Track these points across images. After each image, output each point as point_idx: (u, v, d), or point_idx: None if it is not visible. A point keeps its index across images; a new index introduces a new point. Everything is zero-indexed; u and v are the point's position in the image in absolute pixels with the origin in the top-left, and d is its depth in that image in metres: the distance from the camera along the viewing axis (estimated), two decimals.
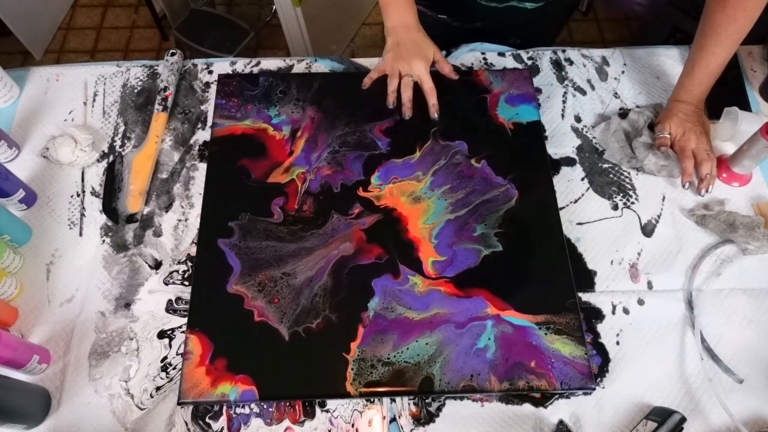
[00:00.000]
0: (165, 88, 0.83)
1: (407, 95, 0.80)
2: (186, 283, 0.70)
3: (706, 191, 0.74)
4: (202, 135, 0.82)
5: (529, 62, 0.89)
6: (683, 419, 0.60)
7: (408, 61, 0.80)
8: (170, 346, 0.67)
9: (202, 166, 0.79)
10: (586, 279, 0.71)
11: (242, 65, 0.89)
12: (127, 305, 0.69)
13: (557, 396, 0.64)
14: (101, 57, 1.94)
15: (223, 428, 0.62)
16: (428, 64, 0.81)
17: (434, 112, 0.80)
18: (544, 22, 0.97)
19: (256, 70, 0.89)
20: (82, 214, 0.76)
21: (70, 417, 0.63)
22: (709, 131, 0.78)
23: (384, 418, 0.63)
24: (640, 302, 0.69)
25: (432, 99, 0.80)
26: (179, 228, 0.75)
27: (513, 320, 0.66)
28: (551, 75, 0.88)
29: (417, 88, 0.82)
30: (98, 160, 0.80)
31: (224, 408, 0.63)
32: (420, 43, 0.82)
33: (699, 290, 0.70)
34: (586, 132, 0.83)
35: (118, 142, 0.82)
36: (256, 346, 0.64)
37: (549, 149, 0.80)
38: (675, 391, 0.64)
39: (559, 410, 0.63)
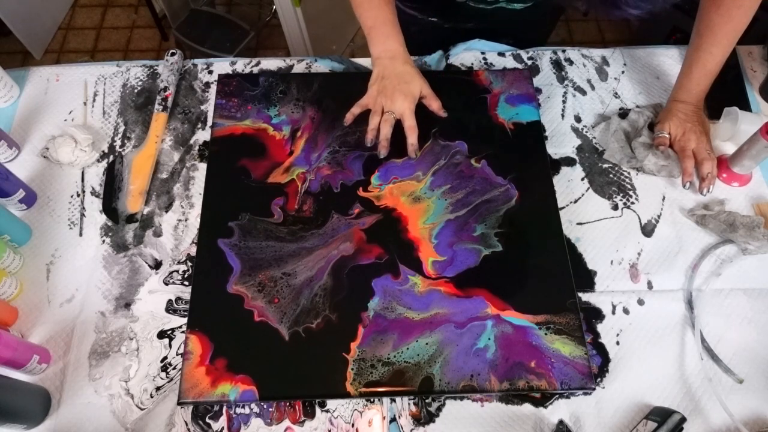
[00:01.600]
0: (165, 88, 0.83)
1: (384, 133, 0.76)
2: (186, 283, 0.70)
3: (708, 191, 0.74)
4: (202, 135, 0.82)
5: (529, 62, 0.89)
6: (683, 419, 0.60)
7: (391, 96, 0.76)
8: (170, 346, 0.67)
9: (202, 166, 0.79)
10: (586, 279, 0.71)
11: (242, 65, 0.89)
12: (127, 305, 0.69)
13: (557, 396, 0.64)
14: (101, 57, 1.94)
15: (223, 428, 0.62)
16: (413, 100, 0.77)
17: (412, 152, 0.76)
18: (536, 22, 0.96)
19: (256, 70, 0.89)
20: (82, 214, 0.76)
21: (70, 417, 0.63)
22: (709, 131, 0.78)
23: (384, 418, 0.63)
24: (640, 302, 0.69)
25: (411, 138, 0.76)
26: (179, 228, 0.75)
27: (513, 320, 0.66)
28: (551, 75, 0.88)
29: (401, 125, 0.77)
30: (98, 160, 0.80)
31: (224, 408, 0.63)
32: (406, 77, 0.77)
33: (699, 290, 0.70)
34: (586, 132, 0.83)
35: (118, 142, 0.82)
36: (256, 346, 0.64)
37: (549, 149, 0.80)
38: (675, 391, 0.64)
39: (559, 410, 0.63)
